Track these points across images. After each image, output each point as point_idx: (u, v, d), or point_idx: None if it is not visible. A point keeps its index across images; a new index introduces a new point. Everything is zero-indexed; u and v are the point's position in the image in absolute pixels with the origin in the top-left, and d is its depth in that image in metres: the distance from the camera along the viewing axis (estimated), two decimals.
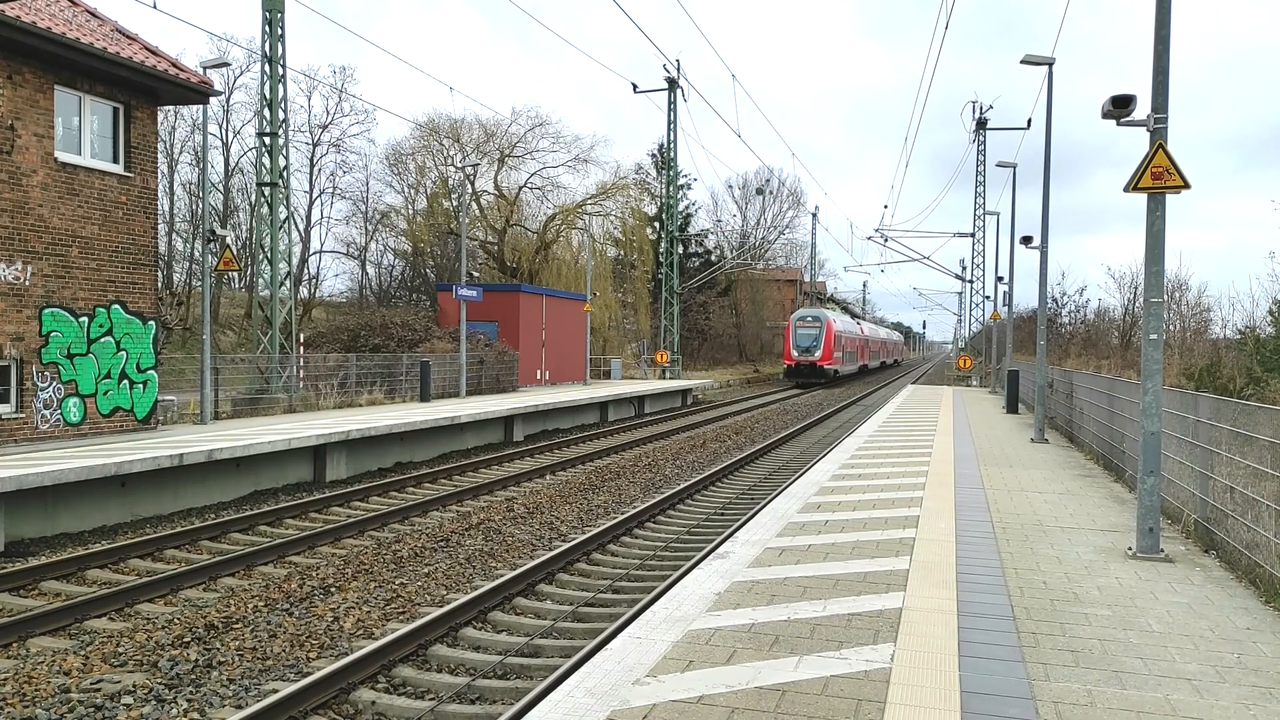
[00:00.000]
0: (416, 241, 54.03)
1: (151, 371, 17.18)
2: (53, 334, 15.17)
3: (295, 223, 43.32)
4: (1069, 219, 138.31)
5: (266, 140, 27.78)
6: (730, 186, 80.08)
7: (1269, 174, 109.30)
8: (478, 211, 52.74)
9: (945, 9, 46.24)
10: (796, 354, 52.36)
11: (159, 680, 7.24)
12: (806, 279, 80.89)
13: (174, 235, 49.83)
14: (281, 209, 28.24)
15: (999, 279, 36.37)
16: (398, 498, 15.61)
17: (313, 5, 53.49)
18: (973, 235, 49.04)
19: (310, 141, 53.40)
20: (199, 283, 33.17)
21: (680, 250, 57.81)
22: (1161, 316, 9.00)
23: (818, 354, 52.00)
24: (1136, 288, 49.32)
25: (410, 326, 32.16)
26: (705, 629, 6.37)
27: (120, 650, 7.84)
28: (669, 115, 45.44)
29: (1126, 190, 8.82)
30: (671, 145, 46.24)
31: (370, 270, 58.69)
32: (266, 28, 27.29)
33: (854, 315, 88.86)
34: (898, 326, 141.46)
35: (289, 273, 29.42)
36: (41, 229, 14.98)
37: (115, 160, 16.50)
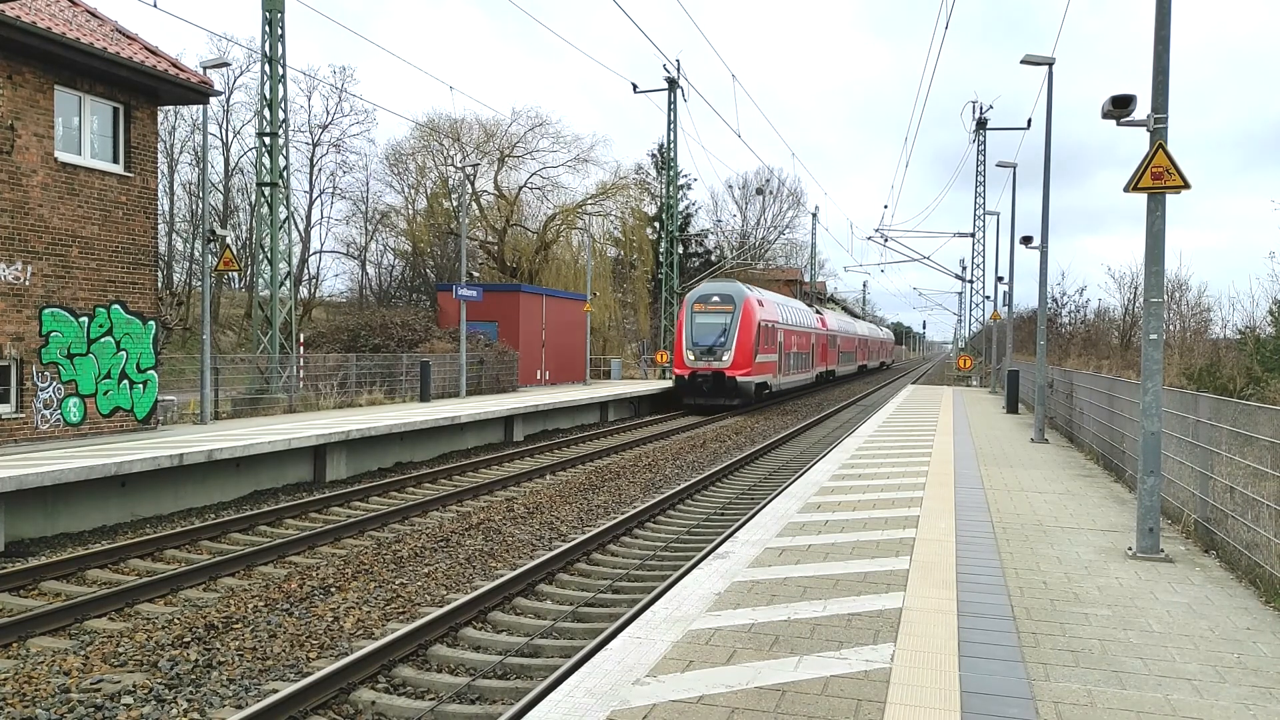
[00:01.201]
0: (416, 241, 54.08)
1: (151, 371, 17.18)
2: (53, 334, 15.16)
3: (295, 223, 43.35)
4: (1069, 219, 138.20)
5: (266, 140, 27.78)
6: (730, 186, 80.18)
7: (1270, 174, 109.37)
8: (478, 211, 52.75)
9: (946, 8, 46.21)
10: (693, 357, 33.20)
11: (159, 680, 7.24)
12: (806, 279, 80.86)
13: (174, 235, 49.88)
14: (281, 209, 28.24)
15: (999, 279, 36.39)
16: (398, 498, 15.61)
17: (313, 5, 53.56)
18: (973, 235, 49.03)
19: (310, 141, 53.48)
20: (199, 283, 33.18)
21: (680, 250, 57.77)
22: (1161, 316, 9.00)
23: (726, 358, 32.69)
24: (1136, 288, 49.35)
25: (410, 326, 32.18)
26: (705, 629, 6.37)
27: (120, 650, 7.84)
28: (669, 115, 45.44)
29: (1126, 190, 8.82)
30: (671, 145, 46.25)
31: (370, 270, 58.79)
32: (266, 28, 27.29)
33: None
34: (896, 327, 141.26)
35: (289, 273, 29.42)
36: (41, 229, 14.98)
37: (115, 160, 16.50)
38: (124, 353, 16.53)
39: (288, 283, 29.12)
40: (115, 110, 16.45)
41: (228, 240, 29.72)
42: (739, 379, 32.64)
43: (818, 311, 51.98)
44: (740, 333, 32.96)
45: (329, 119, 54.83)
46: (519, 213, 53.79)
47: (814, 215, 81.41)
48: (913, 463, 15.08)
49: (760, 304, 35.23)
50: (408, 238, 55.08)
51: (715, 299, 33.92)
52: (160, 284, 28.54)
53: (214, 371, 20.71)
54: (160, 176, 29.97)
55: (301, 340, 29.45)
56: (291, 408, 23.18)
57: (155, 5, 16.79)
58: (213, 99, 22.06)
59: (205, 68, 19.18)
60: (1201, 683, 5.56)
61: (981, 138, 47.31)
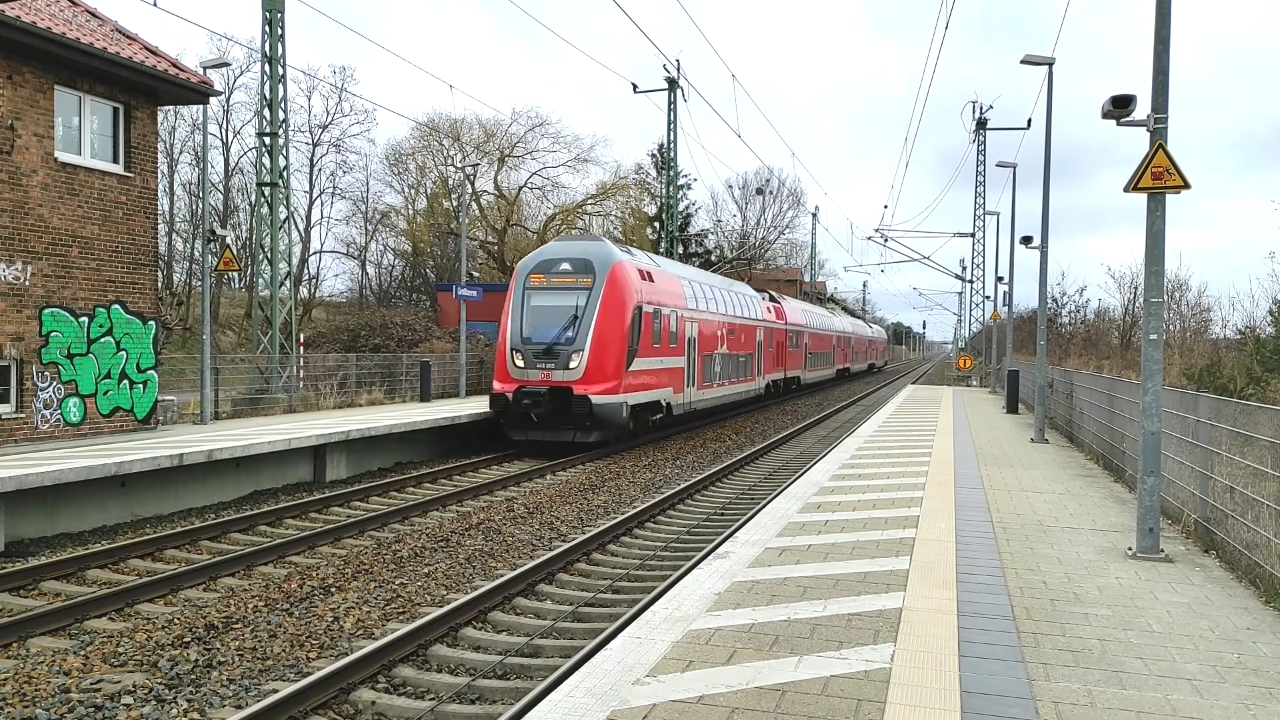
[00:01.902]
0: (416, 241, 54.14)
1: (151, 371, 17.17)
2: (53, 334, 15.16)
3: (295, 223, 43.34)
4: (1070, 219, 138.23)
5: (266, 140, 27.78)
6: (730, 186, 79.88)
7: (1270, 174, 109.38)
8: (478, 211, 52.76)
9: (946, 8, 46.14)
10: (521, 363, 20.76)
11: (159, 680, 7.24)
12: (806, 279, 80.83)
13: (174, 235, 49.91)
14: (281, 209, 28.24)
15: (999, 279, 36.41)
16: (398, 498, 15.60)
17: (313, 4, 53.49)
18: (973, 235, 49.04)
19: (310, 141, 53.52)
20: (199, 283, 33.19)
21: (680, 250, 57.74)
22: (1161, 316, 9.00)
23: (575, 363, 20.45)
24: (1136, 288, 49.31)
25: (410, 326, 32.26)
26: (705, 629, 6.37)
27: (120, 650, 7.84)
28: (669, 115, 45.43)
29: (1126, 190, 8.82)
30: (671, 145, 46.24)
31: (370, 270, 58.85)
32: (266, 28, 27.29)
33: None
34: (896, 327, 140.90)
35: (289, 273, 29.43)
36: (41, 229, 14.98)
37: (115, 160, 16.50)
38: (124, 353, 16.53)
39: (288, 283, 29.13)
40: (115, 110, 16.45)
41: (228, 240, 29.74)
42: (595, 399, 19.81)
43: (771, 299, 39.95)
44: (602, 321, 20.39)
45: (329, 119, 54.92)
46: (519, 213, 53.82)
47: (814, 215, 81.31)
48: (913, 463, 15.08)
49: (647, 277, 22.54)
50: (408, 238, 55.14)
51: (564, 266, 21.10)
52: (160, 284, 28.54)
53: (214, 371, 20.70)
54: (160, 176, 30.00)
55: (301, 340, 29.47)
56: (291, 408, 23.18)
57: (155, 4, 16.80)
58: (213, 99, 22.07)
59: (205, 68, 19.19)
60: (1201, 683, 5.56)
61: (981, 138, 47.32)
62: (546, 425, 20.34)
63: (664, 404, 23.70)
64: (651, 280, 22.89)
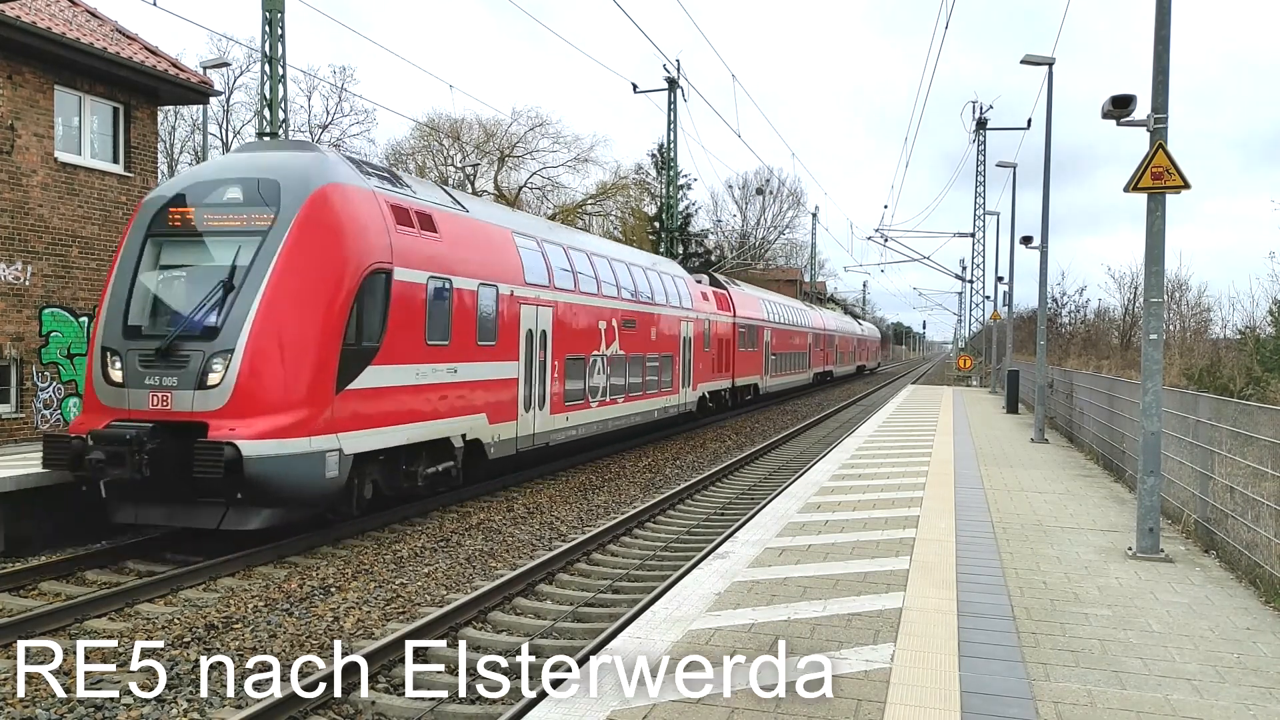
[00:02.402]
0: None
1: None
2: (53, 334, 15.16)
3: None
4: (1070, 219, 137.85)
5: (267, 140, 27.77)
6: (730, 186, 79.89)
7: (1272, 173, 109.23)
8: None
9: (945, 8, 46.07)
10: (121, 375, 10.34)
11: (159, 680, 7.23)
12: (806, 279, 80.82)
13: None
14: None
15: (999, 279, 36.45)
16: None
17: (314, 4, 53.55)
18: (973, 235, 49.03)
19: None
20: None
21: (680, 250, 57.73)
22: (1161, 316, 9.02)
23: (218, 377, 10.04)
24: (1136, 288, 49.30)
25: None
26: (705, 629, 6.37)
27: (120, 650, 7.83)
28: (669, 115, 45.42)
29: (1126, 190, 8.84)
30: (671, 145, 46.23)
31: None
32: (266, 27, 27.28)
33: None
34: (896, 327, 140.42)
35: None
36: (41, 229, 14.98)
37: (115, 160, 16.50)
38: None
39: None
40: (115, 110, 16.44)
41: None
42: (248, 447, 9.99)
43: (713, 283, 31.02)
44: (280, 293, 10.67)
45: (329, 119, 54.91)
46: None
47: (814, 215, 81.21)
48: (913, 462, 15.08)
49: (414, 221, 12.77)
50: None
51: (228, 194, 11.32)
52: None
53: None
54: (160, 176, 29.99)
55: None
56: None
57: (155, 3, 16.81)
58: (213, 99, 22.09)
59: (205, 68, 19.22)
60: (1201, 683, 5.57)
61: (981, 138, 47.29)
62: (156, 494, 10.65)
63: (459, 444, 13.93)
64: (429, 229, 13.05)
